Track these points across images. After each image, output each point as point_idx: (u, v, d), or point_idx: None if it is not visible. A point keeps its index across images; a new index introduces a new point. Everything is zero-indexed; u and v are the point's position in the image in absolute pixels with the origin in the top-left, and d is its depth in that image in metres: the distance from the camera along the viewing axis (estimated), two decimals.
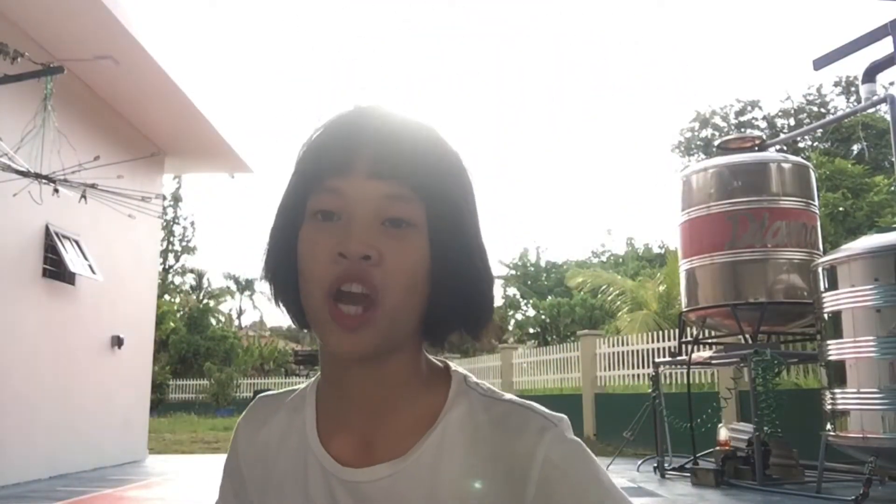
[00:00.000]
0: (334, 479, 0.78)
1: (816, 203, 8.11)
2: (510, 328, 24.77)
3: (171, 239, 29.92)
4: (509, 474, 0.73)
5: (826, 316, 6.18)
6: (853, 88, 25.13)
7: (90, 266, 8.26)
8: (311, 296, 0.74)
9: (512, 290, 26.17)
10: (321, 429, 0.82)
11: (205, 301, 31.28)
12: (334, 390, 0.81)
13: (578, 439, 0.75)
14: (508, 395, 0.79)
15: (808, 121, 25.39)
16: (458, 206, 0.78)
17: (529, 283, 25.71)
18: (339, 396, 0.80)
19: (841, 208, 16.30)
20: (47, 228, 7.60)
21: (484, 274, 0.79)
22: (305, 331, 0.83)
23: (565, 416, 0.76)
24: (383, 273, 0.72)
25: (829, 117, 22.51)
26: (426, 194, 0.75)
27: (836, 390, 5.98)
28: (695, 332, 8.45)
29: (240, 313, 40.37)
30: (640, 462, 8.78)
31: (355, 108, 0.80)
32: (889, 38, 6.96)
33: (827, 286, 6.17)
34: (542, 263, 26.38)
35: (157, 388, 21.62)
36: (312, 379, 0.88)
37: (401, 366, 0.78)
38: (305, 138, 0.81)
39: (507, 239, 62.38)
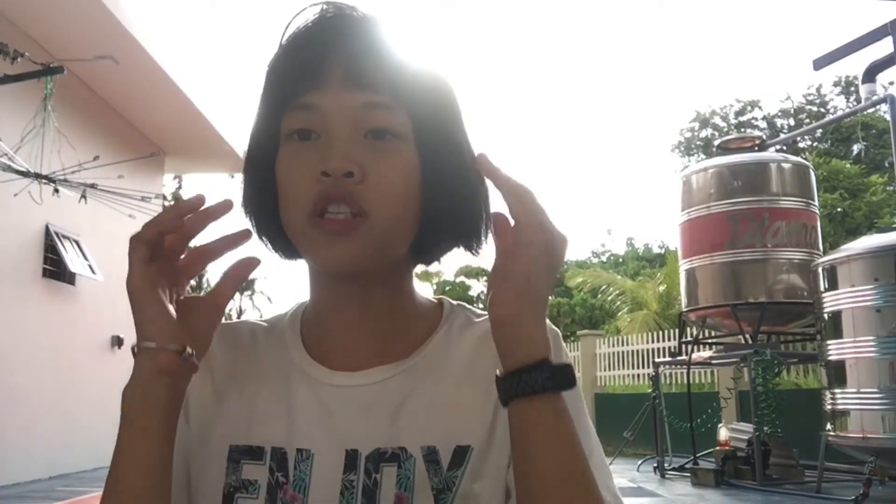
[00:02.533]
0: (327, 387, 0.73)
1: (816, 203, 8.11)
2: None
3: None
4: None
5: (826, 316, 6.18)
6: (853, 88, 25.11)
7: (90, 266, 8.26)
8: (294, 220, 0.68)
9: None
10: (309, 351, 0.76)
11: None
12: (326, 315, 0.76)
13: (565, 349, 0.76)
14: None
15: (808, 121, 25.38)
16: (446, 114, 0.72)
17: None
18: (333, 321, 0.75)
19: (839, 209, 16.31)
20: (47, 228, 7.60)
21: (479, 185, 0.72)
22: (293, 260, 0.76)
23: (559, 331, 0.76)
24: (369, 189, 0.66)
25: (829, 117, 22.52)
26: (410, 101, 0.69)
27: (836, 390, 5.98)
28: (695, 332, 8.45)
29: (240, 313, 40.34)
30: (640, 462, 8.78)
31: (320, 15, 0.71)
32: (889, 38, 6.96)
33: (827, 286, 6.16)
34: None
35: None
36: (287, 310, 0.82)
37: (394, 287, 0.74)
38: (267, 59, 0.73)
39: None
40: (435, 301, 0.80)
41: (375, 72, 0.67)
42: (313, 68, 0.68)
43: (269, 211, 0.72)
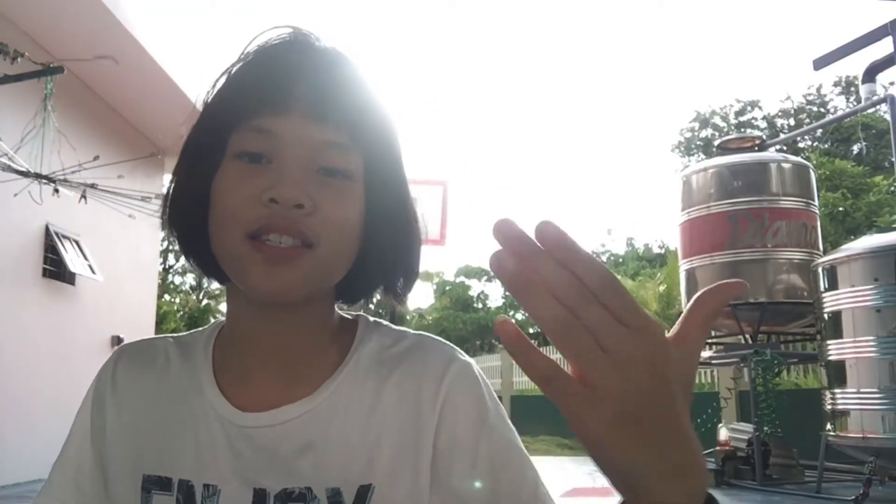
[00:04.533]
0: (233, 426, 0.70)
1: (816, 203, 8.11)
2: None
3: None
4: (418, 403, 0.70)
5: (826, 316, 6.18)
6: (853, 88, 25.11)
7: (90, 266, 8.26)
8: (228, 241, 0.65)
9: None
10: (219, 379, 0.74)
11: (205, 301, 31.31)
12: (242, 339, 0.74)
13: (482, 375, 0.74)
14: (416, 332, 0.77)
15: (808, 121, 25.37)
16: (394, 160, 0.72)
17: None
18: (247, 346, 0.73)
19: (840, 208, 16.31)
20: (47, 228, 7.60)
21: (415, 234, 0.73)
22: (217, 283, 0.74)
23: (471, 360, 0.75)
24: (317, 222, 0.65)
25: (829, 117, 22.50)
26: (365, 144, 0.68)
27: (836, 390, 5.98)
28: None
29: None
30: None
31: (288, 38, 0.70)
32: (889, 38, 6.96)
33: (827, 286, 6.17)
34: None
35: None
36: (202, 329, 0.79)
37: (318, 316, 0.73)
38: (226, 66, 0.71)
39: None
40: (352, 320, 0.78)
41: (338, 110, 0.66)
42: (279, 93, 0.66)
43: (197, 225, 0.69)
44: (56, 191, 6.22)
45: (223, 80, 0.71)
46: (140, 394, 0.75)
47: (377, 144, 0.70)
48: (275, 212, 0.63)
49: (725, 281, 0.44)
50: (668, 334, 0.45)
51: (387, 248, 0.71)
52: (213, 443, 0.71)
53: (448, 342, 0.76)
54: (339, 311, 0.78)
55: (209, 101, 0.71)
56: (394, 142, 0.72)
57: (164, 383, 0.75)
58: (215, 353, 0.76)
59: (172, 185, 0.72)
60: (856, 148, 23.11)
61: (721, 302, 0.45)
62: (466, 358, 0.74)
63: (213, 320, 0.82)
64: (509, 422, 0.73)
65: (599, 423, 0.42)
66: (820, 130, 23.60)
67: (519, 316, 25.82)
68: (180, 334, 0.80)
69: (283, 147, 0.65)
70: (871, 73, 7.57)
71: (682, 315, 0.45)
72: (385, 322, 0.78)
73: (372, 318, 0.77)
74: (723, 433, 7.44)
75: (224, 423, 0.71)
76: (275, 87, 0.66)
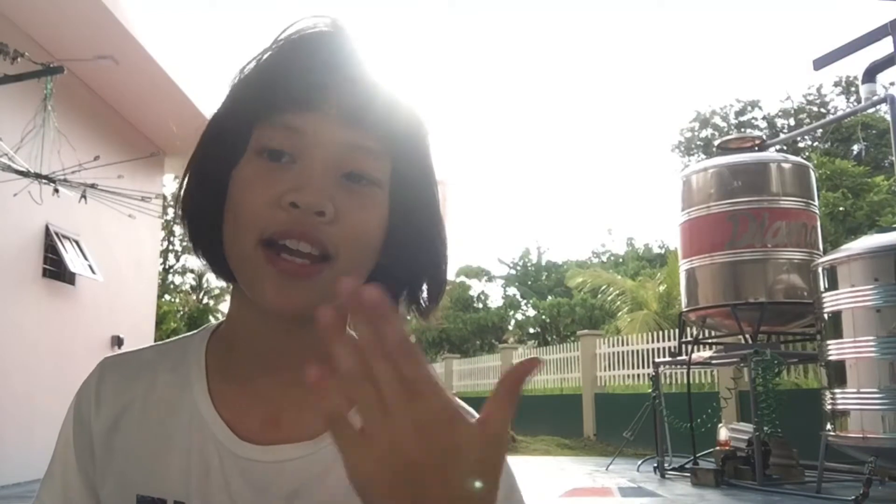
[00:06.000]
0: (228, 452, 0.66)
1: (816, 203, 8.12)
2: (510, 328, 24.77)
3: (171, 239, 29.94)
4: None
5: (826, 316, 6.18)
6: (853, 88, 25.11)
7: (90, 266, 8.26)
8: (240, 242, 0.62)
9: (512, 290, 26.18)
10: (213, 389, 0.69)
11: (205, 301, 31.33)
12: (243, 342, 0.69)
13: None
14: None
15: (808, 121, 25.37)
16: (425, 169, 0.67)
17: (529, 283, 25.71)
18: (248, 351, 0.68)
19: (841, 208, 16.31)
20: (47, 228, 7.60)
21: (441, 248, 0.68)
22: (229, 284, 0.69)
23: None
24: (339, 232, 0.61)
25: (829, 117, 22.50)
26: (395, 150, 0.64)
27: (836, 390, 5.98)
28: (695, 332, 8.45)
29: None
30: (640, 462, 8.78)
31: (325, 29, 0.65)
32: (889, 38, 6.96)
33: (827, 286, 6.17)
34: (543, 263, 26.39)
35: None
36: (191, 335, 0.74)
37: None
38: (254, 54, 0.66)
39: (507, 239, 62.44)
40: None
41: (369, 111, 0.62)
42: (311, 89, 0.61)
43: (210, 224, 0.65)
44: (56, 191, 6.22)
45: (252, 66, 0.65)
46: (127, 410, 0.70)
47: (408, 150, 0.65)
48: (294, 217, 0.59)
49: (523, 360, 0.45)
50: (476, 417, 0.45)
51: (409, 259, 0.67)
52: (206, 466, 0.66)
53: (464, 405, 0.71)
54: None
55: (234, 88, 0.66)
56: (424, 149, 0.68)
57: (151, 397, 0.70)
58: (208, 358, 0.71)
59: (188, 173, 0.67)
60: (856, 148, 23.04)
61: (519, 383, 0.45)
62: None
63: (212, 320, 0.80)
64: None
65: (365, 473, 0.44)
66: (820, 130, 23.58)
67: (518, 316, 25.85)
68: (166, 341, 0.75)
69: (310, 147, 0.61)
70: (871, 73, 7.57)
71: (488, 400, 0.45)
72: None
73: None
74: (723, 433, 7.44)
75: (218, 445, 0.66)
76: (307, 82, 0.61)
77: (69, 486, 0.72)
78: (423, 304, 0.70)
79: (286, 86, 0.62)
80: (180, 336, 0.74)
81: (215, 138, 0.65)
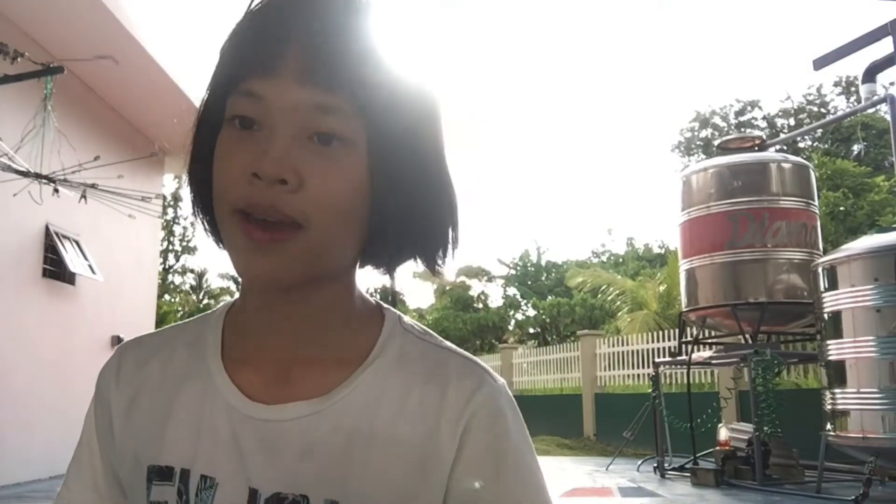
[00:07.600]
0: (239, 414, 0.66)
1: (816, 203, 8.12)
2: (510, 328, 24.77)
3: (171, 239, 29.93)
4: (437, 425, 0.65)
5: (826, 316, 6.18)
6: (853, 88, 25.11)
7: (90, 266, 8.26)
8: (219, 212, 0.63)
9: (512, 290, 26.18)
10: (228, 359, 0.70)
11: (205, 301, 31.33)
12: (252, 319, 0.69)
13: (514, 402, 0.70)
14: (447, 343, 0.71)
15: (808, 121, 25.38)
16: (411, 124, 0.64)
17: (529, 283, 25.70)
18: (258, 326, 0.69)
19: (841, 208, 16.31)
20: (47, 228, 7.60)
21: (442, 200, 0.67)
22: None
23: (504, 381, 0.71)
24: (307, 199, 0.60)
25: (829, 117, 22.50)
26: (367, 105, 0.61)
27: (836, 390, 5.98)
28: (695, 332, 8.45)
29: None
30: (640, 462, 8.78)
31: None
32: (889, 38, 6.96)
33: (827, 286, 6.17)
34: (543, 263, 26.39)
35: None
36: (211, 311, 0.75)
37: (331, 299, 0.68)
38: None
39: (507, 239, 62.40)
40: (375, 308, 0.72)
41: (333, 66, 0.60)
42: (266, 54, 0.60)
43: (203, 192, 0.66)
44: (56, 191, 6.22)
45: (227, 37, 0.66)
46: (145, 384, 0.72)
47: (385, 106, 0.62)
48: (258, 189, 0.59)
49: None
50: None
51: (406, 216, 0.65)
52: (215, 430, 0.66)
53: (485, 365, 0.71)
54: (365, 295, 0.72)
55: (216, 62, 0.67)
56: (411, 103, 0.64)
57: (169, 370, 0.71)
58: (225, 332, 0.72)
59: (192, 139, 0.68)
60: (856, 148, 23.10)
61: None
62: (502, 391, 0.70)
63: None
64: (532, 457, 0.69)
65: None
66: (820, 130, 23.60)
67: (518, 316, 25.84)
68: (186, 321, 0.76)
69: (271, 113, 0.60)
70: (871, 73, 7.57)
71: None
72: (408, 320, 0.72)
73: (397, 314, 0.72)
74: (723, 433, 7.44)
75: (230, 410, 0.66)
76: (263, 47, 0.61)
77: (96, 471, 0.74)
78: (434, 261, 0.69)
79: (245, 54, 0.62)
80: (203, 314, 0.76)
81: (203, 109, 0.67)
